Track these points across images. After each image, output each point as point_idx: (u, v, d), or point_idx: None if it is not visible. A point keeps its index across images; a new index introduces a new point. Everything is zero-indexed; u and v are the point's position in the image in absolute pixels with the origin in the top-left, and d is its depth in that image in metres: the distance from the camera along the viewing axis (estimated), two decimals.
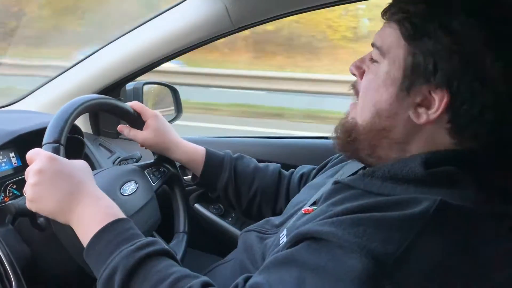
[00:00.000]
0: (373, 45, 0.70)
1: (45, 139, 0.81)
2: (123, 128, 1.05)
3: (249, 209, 1.11)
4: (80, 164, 0.79)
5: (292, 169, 1.14)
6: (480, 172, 0.62)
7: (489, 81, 0.59)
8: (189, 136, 1.42)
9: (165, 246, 0.72)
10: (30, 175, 0.74)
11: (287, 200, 1.07)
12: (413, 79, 0.63)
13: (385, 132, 0.67)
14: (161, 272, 0.66)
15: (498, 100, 0.60)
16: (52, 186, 0.73)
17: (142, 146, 1.08)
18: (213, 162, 1.08)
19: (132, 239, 0.70)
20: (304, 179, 1.09)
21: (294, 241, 0.64)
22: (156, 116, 1.04)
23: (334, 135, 0.76)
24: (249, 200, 1.09)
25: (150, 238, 0.71)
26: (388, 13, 0.68)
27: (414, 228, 0.55)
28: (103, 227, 0.70)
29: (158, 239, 0.72)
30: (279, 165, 1.15)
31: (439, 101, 0.62)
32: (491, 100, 0.60)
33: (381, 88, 0.67)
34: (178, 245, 1.06)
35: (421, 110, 0.64)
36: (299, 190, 1.04)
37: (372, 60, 0.70)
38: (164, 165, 1.11)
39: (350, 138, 0.72)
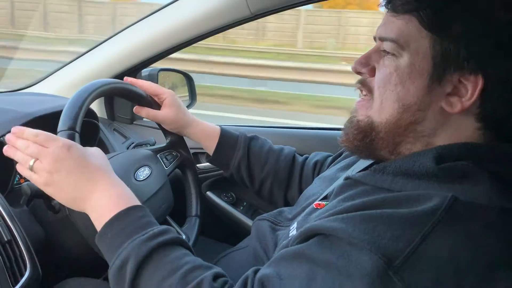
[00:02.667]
0: (382, 38, 0.67)
1: (60, 126, 0.81)
2: (141, 110, 1.05)
3: (261, 191, 1.11)
4: (96, 151, 0.79)
5: (306, 155, 1.14)
6: (493, 167, 0.60)
7: None
8: None
9: (178, 235, 0.71)
10: (46, 160, 0.73)
11: (300, 186, 1.08)
12: (444, 68, 0.61)
13: (412, 126, 0.65)
14: (173, 262, 0.66)
15: None
16: (68, 174, 0.73)
17: (160, 125, 1.08)
18: (227, 140, 1.09)
19: (145, 227, 0.70)
20: (318, 167, 1.08)
21: (305, 236, 0.63)
22: (173, 95, 1.05)
23: (343, 137, 0.73)
24: (261, 180, 1.09)
25: (163, 227, 0.71)
26: (393, 4, 0.65)
27: (425, 225, 0.54)
28: (116, 214, 0.70)
29: (171, 227, 0.72)
30: (294, 149, 1.14)
31: (472, 87, 0.60)
32: None
33: (407, 82, 0.64)
34: (191, 228, 1.07)
35: (454, 99, 0.62)
36: (312, 178, 1.04)
37: (385, 53, 0.67)
38: (176, 149, 1.11)
39: (367, 139, 0.69)
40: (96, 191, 0.73)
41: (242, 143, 1.08)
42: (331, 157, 1.07)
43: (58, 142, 0.75)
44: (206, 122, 1.11)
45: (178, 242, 0.70)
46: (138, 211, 0.72)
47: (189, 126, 1.08)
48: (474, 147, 0.63)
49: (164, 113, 1.04)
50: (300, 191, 1.05)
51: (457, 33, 0.60)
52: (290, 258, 0.62)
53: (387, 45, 0.66)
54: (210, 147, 1.10)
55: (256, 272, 0.65)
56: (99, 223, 0.72)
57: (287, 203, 1.10)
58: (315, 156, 1.12)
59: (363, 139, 0.69)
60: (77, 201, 0.74)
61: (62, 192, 0.74)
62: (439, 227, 0.54)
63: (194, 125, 1.08)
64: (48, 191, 0.75)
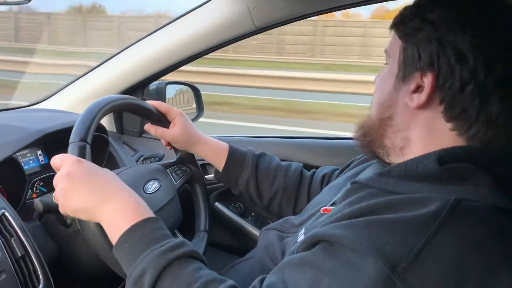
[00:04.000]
0: (385, 51, 0.78)
1: (72, 138, 0.83)
2: (150, 127, 1.07)
3: (270, 206, 1.12)
4: (105, 169, 0.81)
5: (314, 169, 1.15)
6: (495, 169, 0.62)
7: (462, 55, 0.64)
8: (212, 135, 1.44)
9: (193, 248, 0.72)
10: (59, 180, 0.76)
11: (308, 199, 1.08)
12: (405, 68, 0.71)
13: (388, 120, 0.74)
14: (190, 275, 0.67)
15: (474, 72, 0.64)
16: (81, 187, 0.75)
17: (168, 144, 1.10)
18: (235, 158, 1.10)
19: (162, 239, 0.71)
20: (326, 180, 1.09)
21: (309, 243, 0.64)
22: (182, 114, 1.07)
23: (356, 133, 0.82)
24: (270, 197, 1.10)
25: (179, 239, 0.72)
26: (391, 26, 0.76)
27: (428, 229, 0.55)
28: (133, 225, 0.72)
29: (187, 240, 0.73)
30: (301, 164, 1.15)
31: (427, 83, 0.67)
32: (468, 72, 0.64)
33: (384, 83, 0.75)
34: (199, 243, 1.08)
35: (415, 95, 0.69)
36: (320, 190, 1.04)
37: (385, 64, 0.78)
38: (186, 164, 1.13)
39: (363, 133, 0.79)
40: (111, 201, 0.74)
41: (250, 161, 1.09)
42: (338, 170, 1.08)
43: (67, 159, 0.77)
44: (214, 140, 1.12)
45: (194, 255, 0.71)
46: (155, 223, 0.74)
47: (197, 145, 1.10)
48: (477, 150, 0.65)
49: (172, 132, 1.06)
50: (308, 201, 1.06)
51: (415, 39, 0.69)
52: (295, 266, 0.63)
53: (386, 56, 0.78)
54: (218, 165, 1.11)
55: (262, 280, 0.66)
56: (115, 234, 0.73)
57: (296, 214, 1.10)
58: (323, 169, 1.13)
59: (364, 137, 0.79)
60: (91, 212, 0.75)
61: (76, 205, 0.75)
62: (442, 231, 0.55)
63: (202, 143, 1.10)
64: (67, 211, 0.77)
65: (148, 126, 1.08)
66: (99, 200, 0.74)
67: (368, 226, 0.58)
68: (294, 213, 1.10)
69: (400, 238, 0.55)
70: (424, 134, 0.69)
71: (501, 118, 0.64)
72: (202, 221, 1.12)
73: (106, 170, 0.81)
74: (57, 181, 0.77)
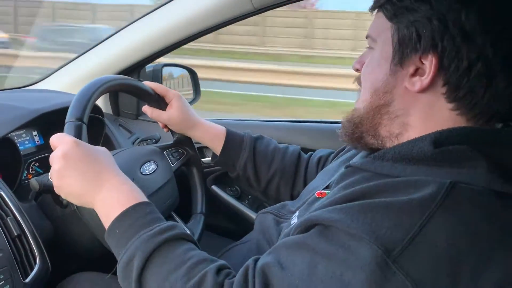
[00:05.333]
0: (367, 37, 0.74)
1: (68, 117, 0.82)
2: (147, 109, 1.07)
3: (268, 190, 1.12)
4: (102, 149, 0.80)
5: (311, 152, 1.15)
6: (491, 151, 0.61)
7: (469, 35, 0.62)
8: (209, 118, 1.43)
9: (184, 230, 0.72)
10: (54, 160, 0.75)
11: (305, 182, 1.08)
12: (402, 51, 0.67)
13: (384, 108, 0.71)
14: (179, 257, 0.68)
15: (481, 52, 0.62)
16: (76, 170, 0.74)
17: (165, 126, 1.10)
18: (233, 141, 1.09)
19: (152, 223, 0.71)
20: (322, 163, 1.09)
21: (305, 227, 0.64)
22: (179, 96, 1.07)
23: (341, 130, 0.79)
24: (268, 180, 1.10)
25: (169, 223, 0.72)
26: (373, 4, 0.73)
27: (423, 213, 0.55)
28: (124, 211, 0.72)
29: (177, 223, 0.73)
30: (298, 146, 1.15)
31: (429, 65, 0.65)
32: (475, 52, 0.62)
33: (376, 69, 0.71)
34: (196, 225, 1.08)
35: (415, 79, 0.67)
36: (316, 172, 1.05)
37: (369, 49, 0.75)
38: (183, 146, 1.12)
39: (357, 129, 0.74)
40: (104, 188, 0.74)
41: (248, 143, 1.09)
42: (333, 153, 1.08)
43: (65, 140, 0.76)
44: (211, 123, 1.12)
45: (184, 237, 0.71)
46: (146, 207, 0.73)
47: (194, 128, 1.09)
48: (472, 131, 0.64)
49: (169, 114, 1.06)
50: (305, 186, 1.05)
51: (409, 20, 0.66)
52: (291, 247, 0.63)
53: (368, 41, 0.74)
54: (216, 149, 1.11)
55: (256, 260, 0.66)
56: (107, 220, 0.73)
57: (294, 196, 1.10)
58: (319, 152, 1.13)
59: (354, 130, 0.75)
60: (84, 197, 0.75)
61: (70, 189, 0.75)
62: (437, 215, 0.55)
63: (199, 126, 1.09)
64: (61, 193, 0.77)
65: (145, 108, 1.07)
66: (92, 187, 0.74)
67: (363, 209, 0.58)
68: (292, 196, 1.10)
69: (395, 222, 0.55)
70: (424, 116, 0.68)
71: (507, 93, 0.64)
72: (199, 204, 1.12)
73: (103, 150, 0.81)
74: (52, 160, 0.76)
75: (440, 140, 0.63)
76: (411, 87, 0.67)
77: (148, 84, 1.04)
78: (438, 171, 0.61)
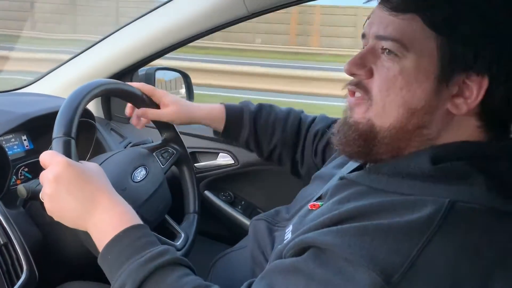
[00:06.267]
0: (380, 37, 0.63)
1: (55, 133, 0.80)
2: (145, 112, 1.02)
3: (270, 158, 1.15)
4: (94, 168, 0.78)
5: (314, 116, 1.15)
6: (489, 166, 0.59)
7: None
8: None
9: (177, 255, 0.70)
10: (46, 182, 0.73)
11: (303, 153, 1.11)
12: (451, 69, 0.60)
13: (419, 130, 0.63)
14: (171, 285, 0.65)
15: None
16: (68, 194, 0.72)
17: (156, 123, 1.08)
18: (232, 119, 1.10)
19: (143, 249, 0.68)
20: (318, 138, 1.10)
21: (299, 248, 0.62)
22: (166, 93, 1.05)
23: (342, 140, 0.69)
24: (270, 151, 1.13)
25: (161, 247, 0.69)
26: (391, 1, 0.62)
27: (422, 235, 0.53)
28: (114, 236, 0.70)
29: (170, 247, 0.71)
30: (300, 113, 1.15)
31: (477, 88, 0.59)
32: None
33: (413, 85, 0.61)
34: (189, 226, 1.06)
35: (459, 101, 0.61)
36: (312, 147, 1.09)
37: (383, 53, 0.63)
38: (172, 145, 1.10)
39: (370, 144, 0.65)
40: (97, 211, 0.72)
41: (247, 120, 1.10)
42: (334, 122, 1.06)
43: (56, 161, 0.73)
44: (206, 105, 1.12)
45: (177, 262, 0.69)
46: (138, 231, 0.71)
47: (193, 115, 1.08)
48: (471, 146, 0.62)
49: (167, 111, 1.04)
50: (304, 155, 1.11)
51: (465, 34, 0.59)
52: (285, 272, 0.61)
53: (388, 45, 0.62)
54: (217, 127, 1.12)
55: (250, 285, 0.65)
56: (101, 244, 0.71)
57: (295, 163, 1.14)
58: (318, 124, 1.12)
59: (365, 144, 0.65)
60: (78, 221, 0.73)
61: (63, 213, 0.73)
62: (436, 238, 0.53)
63: (197, 112, 1.09)
64: (54, 216, 0.75)
65: (142, 111, 1.02)
66: (85, 211, 0.72)
67: (359, 233, 0.56)
68: (293, 161, 1.13)
69: (394, 246, 0.53)
70: (452, 137, 0.63)
71: None
72: (191, 203, 1.10)
73: (94, 167, 0.78)
74: (43, 181, 0.74)
75: (438, 156, 0.60)
76: (455, 109, 0.61)
77: (134, 85, 1.01)
78: (435, 188, 0.58)
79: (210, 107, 1.10)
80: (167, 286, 0.65)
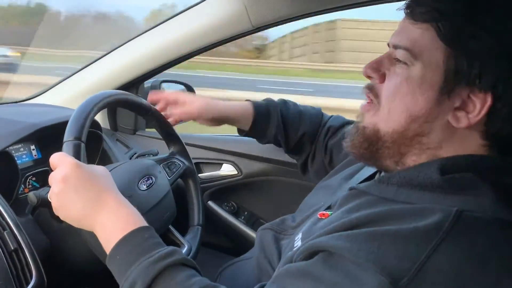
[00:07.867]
0: (395, 46, 0.66)
1: (66, 136, 0.82)
2: (181, 114, 1.10)
3: (295, 149, 1.19)
4: (101, 170, 0.79)
5: (330, 116, 1.19)
6: (497, 179, 0.60)
7: None
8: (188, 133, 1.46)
9: (184, 256, 0.71)
10: (54, 182, 0.74)
11: (315, 148, 1.17)
12: (455, 82, 0.61)
13: (418, 137, 0.65)
14: (180, 284, 0.66)
15: None
16: (76, 194, 0.73)
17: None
18: (261, 113, 1.13)
19: (152, 249, 0.69)
20: (329, 134, 1.14)
21: (308, 253, 0.63)
22: (187, 93, 1.13)
23: (349, 142, 0.72)
24: (296, 142, 1.16)
25: (169, 248, 0.70)
26: (412, 11, 0.64)
27: (430, 241, 0.54)
28: (122, 237, 0.70)
29: (177, 248, 0.72)
30: (319, 108, 1.21)
31: (480, 104, 0.60)
32: None
33: (416, 92, 0.63)
34: (193, 238, 1.08)
35: (461, 114, 0.62)
36: (323, 142, 1.14)
37: (396, 61, 0.66)
38: (178, 158, 1.12)
39: (373, 147, 0.69)
40: (103, 212, 0.73)
41: (275, 113, 1.14)
42: (348, 123, 1.13)
43: (65, 162, 0.75)
44: (235, 101, 1.15)
45: (184, 263, 0.70)
46: (145, 232, 0.72)
47: (224, 108, 1.12)
48: (479, 159, 0.63)
49: (197, 106, 1.09)
50: (315, 149, 1.16)
51: (473, 50, 0.59)
52: (295, 276, 0.61)
53: (399, 53, 0.65)
54: (244, 124, 1.14)
55: None
56: (108, 245, 0.72)
57: (308, 157, 1.18)
58: (334, 121, 1.17)
59: (369, 147, 0.69)
60: (84, 221, 0.74)
61: (69, 212, 0.74)
62: (444, 244, 0.54)
63: (228, 106, 1.13)
64: (60, 215, 0.76)
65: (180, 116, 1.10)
66: (91, 211, 0.73)
67: (369, 238, 0.57)
68: (307, 156, 1.17)
69: (402, 252, 0.54)
70: (454, 150, 0.64)
71: None
72: (196, 216, 1.12)
73: (102, 170, 0.79)
74: (52, 182, 0.75)
75: (447, 167, 0.61)
76: (455, 122, 0.62)
77: (164, 94, 1.09)
78: (444, 198, 0.59)
79: (237, 103, 1.14)
80: (177, 284, 0.66)
